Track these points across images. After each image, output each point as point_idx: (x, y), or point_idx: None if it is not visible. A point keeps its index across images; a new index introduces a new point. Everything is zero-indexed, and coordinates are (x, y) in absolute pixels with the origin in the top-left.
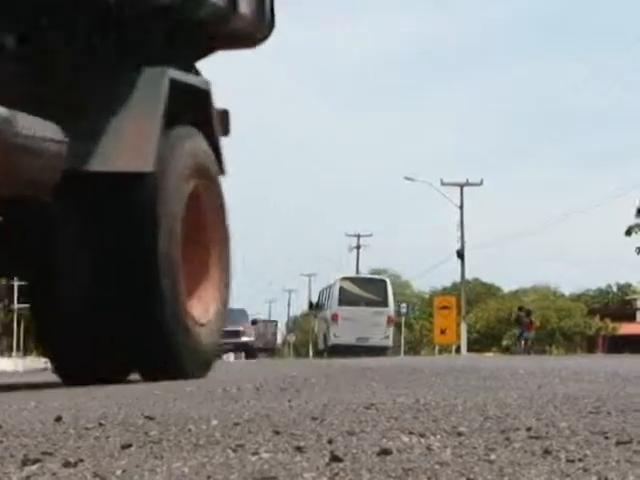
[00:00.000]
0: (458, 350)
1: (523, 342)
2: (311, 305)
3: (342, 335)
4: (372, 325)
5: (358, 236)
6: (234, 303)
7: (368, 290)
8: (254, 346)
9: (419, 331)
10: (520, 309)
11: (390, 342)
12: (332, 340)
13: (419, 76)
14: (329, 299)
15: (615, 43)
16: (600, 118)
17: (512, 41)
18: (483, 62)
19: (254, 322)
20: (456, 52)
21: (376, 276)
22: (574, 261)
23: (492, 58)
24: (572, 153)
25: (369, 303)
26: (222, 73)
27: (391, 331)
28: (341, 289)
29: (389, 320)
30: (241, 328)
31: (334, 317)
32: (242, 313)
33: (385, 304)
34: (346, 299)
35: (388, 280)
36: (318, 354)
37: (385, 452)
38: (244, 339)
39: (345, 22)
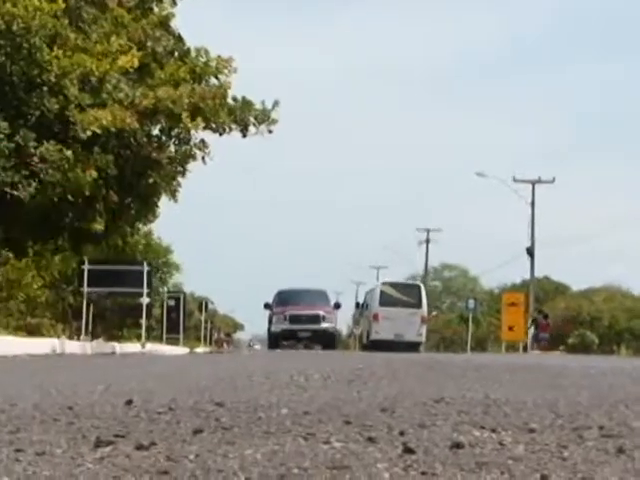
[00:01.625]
0: (525, 348)
1: (537, 343)
2: (357, 305)
3: (382, 332)
4: (408, 324)
5: (428, 230)
6: (310, 285)
7: (405, 293)
8: (335, 334)
9: (486, 327)
10: (539, 312)
11: (423, 338)
12: (373, 336)
13: (496, 73)
14: (372, 300)
15: None
16: None
17: (583, 38)
18: (555, 60)
19: (337, 306)
20: (529, 49)
21: (411, 282)
22: None
23: (564, 56)
24: None
25: (405, 305)
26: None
27: (424, 329)
28: (382, 292)
29: (422, 319)
30: (321, 312)
31: (375, 316)
32: (322, 295)
33: (419, 306)
34: (386, 301)
35: (422, 285)
36: (363, 348)
37: (457, 446)
38: (324, 325)
39: (416, 21)
